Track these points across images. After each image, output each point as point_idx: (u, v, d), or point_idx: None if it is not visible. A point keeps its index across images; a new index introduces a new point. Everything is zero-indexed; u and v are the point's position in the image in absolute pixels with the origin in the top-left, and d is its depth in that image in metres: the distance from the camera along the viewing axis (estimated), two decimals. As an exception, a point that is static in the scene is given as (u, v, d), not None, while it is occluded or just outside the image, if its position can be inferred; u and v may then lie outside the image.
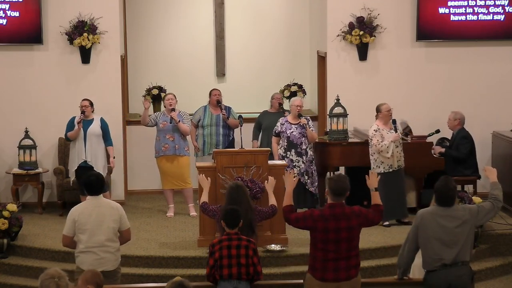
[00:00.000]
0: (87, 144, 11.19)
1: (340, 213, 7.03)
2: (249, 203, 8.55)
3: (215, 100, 11.90)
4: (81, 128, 11.15)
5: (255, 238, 8.18)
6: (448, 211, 7.06)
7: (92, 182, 7.87)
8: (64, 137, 11.58)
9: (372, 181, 7.38)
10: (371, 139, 10.82)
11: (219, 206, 8.76)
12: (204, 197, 8.89)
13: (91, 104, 11.30)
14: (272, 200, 8.82)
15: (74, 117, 11.36)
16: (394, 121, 10.86)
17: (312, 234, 7.11)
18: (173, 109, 11.43)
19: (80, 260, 7.79)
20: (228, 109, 12.01)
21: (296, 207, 10.87)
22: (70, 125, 11.31)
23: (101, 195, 7.92)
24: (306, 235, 7.45)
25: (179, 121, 11.38)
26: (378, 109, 10.93)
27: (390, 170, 10.76)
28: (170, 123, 11.42)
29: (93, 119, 11.30)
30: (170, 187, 11.60)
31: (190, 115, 11.83)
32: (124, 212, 7.97)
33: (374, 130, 10.81)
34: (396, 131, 10.80)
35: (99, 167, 11.15)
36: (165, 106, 11.65)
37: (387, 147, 10.70)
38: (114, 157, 11.42)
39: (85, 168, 10.95)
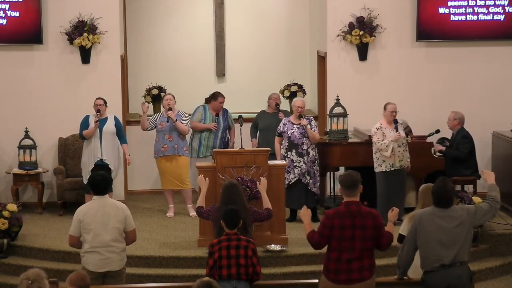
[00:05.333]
0: (103, 143, 11.22)
1: (356, 211, 7.01)
2: (244, 202, 8.54)
3: (219, 108, 11.82)
4: (97, 127, 11.19)
5: (248, 237, 8.17)
6: (446, 211, 7.07)
7: (98, 182, 7.88)
8: (79, 136, 11.51)
9: (393, 216, 7.44)
10: (372, 137, 10.83)
11: (213, 206, 8.75)
12: (201, 201, 8.87)
13: (105, 102, 11.34)
14: (267, 203, 8.78)
15: (87, 116, 11.38)
16: (395, 121, 10.85)
17: (329, 233, 7.02)
18: (170, 109, 11.43)
19: (86, 260, 7.81)
20: (226, 111, 11.97)
21: (298, 207, 10.96)
22: (85, 124, 11.32)
23: (107, 195, 7.94)
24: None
25: (176, 120, 11.37)
26: (384, 107, 10.94)
27: (392, 169, 10.76)
28: (167, 122, 11.42)
29: (107, 117, 11.33)
30: (170, 187, 11.61)
31: (189, 115, 11.82)
32: (130, 212, 7.97)
33: (376, 128, 10.82)
34: (397, 131, 10.78)
35: (112, 165, 11.21)
36: (163, 107, 11.65)
37: (386, 146, 10.69)
38: (129, 155, 11.46)
39: (101, 167, 10.99)
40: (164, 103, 11.59)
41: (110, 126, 11.32)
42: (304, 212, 7.44)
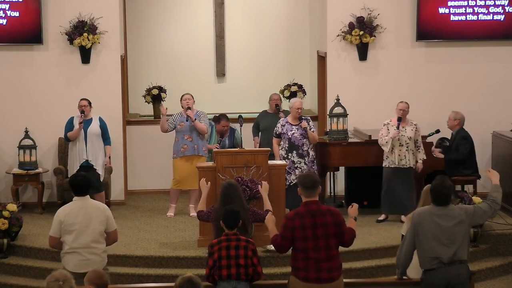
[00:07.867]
0: (88, 144, 11.19)
1: (315, 210, 7.10)
2: (243, 202, 8.54)
3: (222, 131, 11.69)
4: (82, 128, 11.16)
5: (247, 237, 8.16)
6: (445, 210, 7.07)
7: (79, 183, 7.84)
8: (64, 138, 11.56)
9: (353, 211, 7.45)
10: (380, 131, 10.91)
11: (212, 207, 8.75)
12: (202, 206, 8.86)
13: (90, 103, 11.31)
14: (268, 206, 8.80)
15: (72, 117, 11.37)
16: (399, 119, 10.88)
17: (291, 235, 7.09)
18: (189, 108, 11.39)
19: (66, 260, 7.77)
20: (233, 132, 11.74)
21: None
22: (69, 126, 11.31)
23: (88, 196, 7.90)
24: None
25: (195, 119, 11.33)
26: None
27: (392, 166, 10.79)
28: (187, 121, 11.38)
29: (91, 118, 11.31)
30: (180, 187, 11.56)
31: (207, 114, 11.69)
32: (111, 213, 7.95)
33: (384, 123, 10.92)
34: (398, 129, 10.81)
35: (99, 167, 11.18)
36: (182, 106, 11.59)
37: (386, 142, 10.76)
38: (109, 157, 11.38)
39: (87, 168, 10.97)
40: (183, 103, 11.48)
41: (95, 127, 11.26)
42: (269, 218, 7.59)
